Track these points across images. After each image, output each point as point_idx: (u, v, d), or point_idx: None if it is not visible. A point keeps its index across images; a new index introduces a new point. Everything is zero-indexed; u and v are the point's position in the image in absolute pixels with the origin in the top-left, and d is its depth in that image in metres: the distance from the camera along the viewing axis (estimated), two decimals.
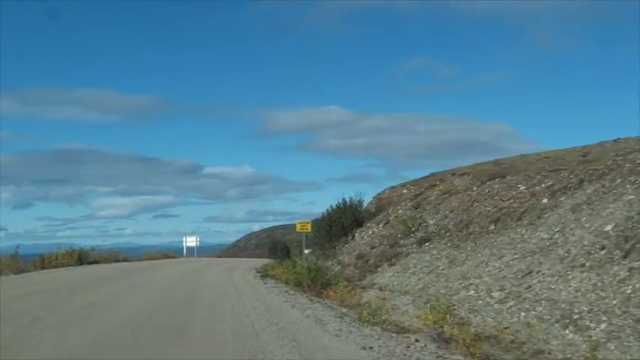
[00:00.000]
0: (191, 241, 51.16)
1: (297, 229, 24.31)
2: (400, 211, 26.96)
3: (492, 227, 17.73)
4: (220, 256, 54.52)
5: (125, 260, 36.49)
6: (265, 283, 19.18)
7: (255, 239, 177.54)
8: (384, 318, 11.49)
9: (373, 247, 23.65)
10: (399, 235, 22.58)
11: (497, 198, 20.01)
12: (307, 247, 40.70)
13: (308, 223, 24.80)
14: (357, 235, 28.96)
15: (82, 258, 31.20)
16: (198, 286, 17.81)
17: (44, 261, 28.66)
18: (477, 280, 13.65)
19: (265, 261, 44.24)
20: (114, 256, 35.73)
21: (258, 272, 25.48)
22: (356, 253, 24.56)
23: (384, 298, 14.65)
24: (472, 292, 13.15)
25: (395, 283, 17.19)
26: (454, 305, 12.51)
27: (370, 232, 27.47)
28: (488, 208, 19.59)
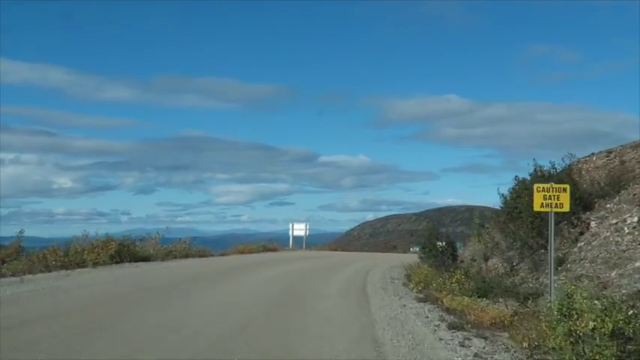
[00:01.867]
0: (299, 230, 38.47)
1: (537, 207, 10.06)
2: None
3: None
4: (335, 249, 41.32)
5: (201, 255, 24.08)
6: None
7: (370, 229, 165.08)
8: None
9: None
10: None
11: None
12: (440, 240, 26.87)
13: (564, 190, 10.27)
14: (593, 224, 14.64)
15: (123, 252, 19.00)
16: None
17: (47, 257, 16.61)
18: None
19: (395, 257, 30.81)
20: (182, 249, 23.30)
21: (421, 299, 11.82)
22: None
23: None
24: None
25: None
26: None
27: (635, 219, 13.11)
28: None
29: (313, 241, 46.57)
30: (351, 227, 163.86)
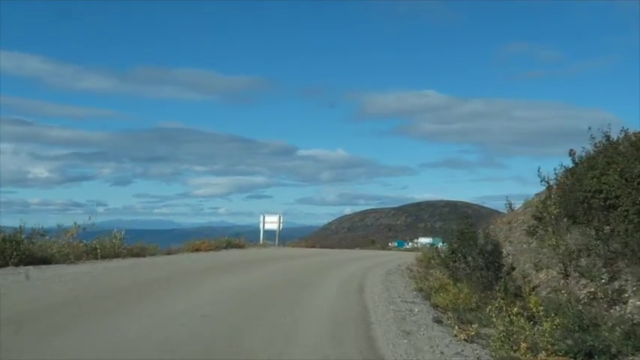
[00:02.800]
0: (271, 222, 32.26)
1: None
2: None
3: None
4: (312, 245, 35.18)
5: (138, 254, 17.86)
6: None
7: (347, 223, 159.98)
8: None
9: None
10: None
11: None
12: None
13: None
14: None
15: (8, 252, 12.89)
16: None
17: None
18: None
19: (383, 256, 25.19)
20: (110, 247, 17.06)
21: None
22: None
23: None
24: None
25: None
26: None
27: None
28: None
29: (289, 236, 40.61)
30: (329, 221, 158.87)
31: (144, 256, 17.74)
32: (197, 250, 22.12)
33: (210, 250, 22.62)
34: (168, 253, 19.50)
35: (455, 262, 9.91)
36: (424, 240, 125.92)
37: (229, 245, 25.69)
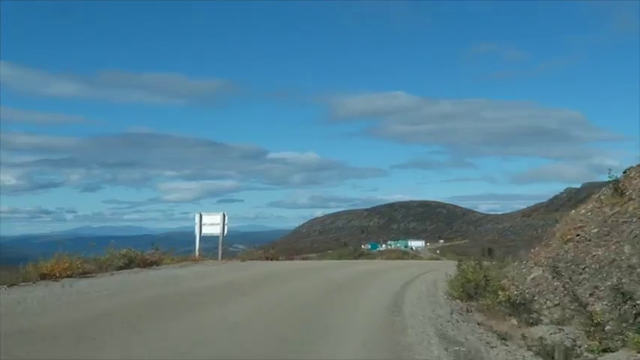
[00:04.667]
0: (211, 224, 21.50)
1: None
2: None
3: None
4: (272, 256, 24.16)
5: None
6: None
7: (319, 225, 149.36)
8: None
9: None
10: None
11: None
12: None
13: None
14: None
15: None
16: None
17: None
18: None
19: (391, 284, 14.97)
20: None
21: None
22: None
23: None
24: None
25: None
26: None
27: None
28: None
29: (259, 239, 30.07)
30: (300, 224, 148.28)
31: None
32: (44, 277, 11.44)
33: (71, 276, 11.94)
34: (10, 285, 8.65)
35: None
36: (415, 243, 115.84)
37: (133, 262, 15.14)
